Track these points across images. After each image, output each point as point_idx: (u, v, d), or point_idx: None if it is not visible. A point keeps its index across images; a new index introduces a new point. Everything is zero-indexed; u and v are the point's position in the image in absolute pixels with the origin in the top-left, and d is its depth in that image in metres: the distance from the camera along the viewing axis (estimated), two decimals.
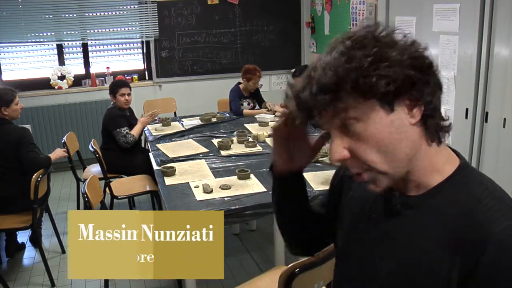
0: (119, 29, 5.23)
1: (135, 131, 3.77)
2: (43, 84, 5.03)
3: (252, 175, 2.69)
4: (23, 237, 3.49)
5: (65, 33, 5.02)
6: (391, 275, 0.82)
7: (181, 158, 3.09)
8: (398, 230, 0.83)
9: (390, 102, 0.73)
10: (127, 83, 3.92)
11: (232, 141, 3.36)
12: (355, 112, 0.73)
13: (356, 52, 0.71)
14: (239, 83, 4.56)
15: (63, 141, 3.67)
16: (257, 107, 4.58)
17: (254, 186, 2.56)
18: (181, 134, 3.75)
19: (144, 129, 3.92)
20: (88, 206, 2.42)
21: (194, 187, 2.56)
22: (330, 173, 2.69)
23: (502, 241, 0.70)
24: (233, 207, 2.30)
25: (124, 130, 3.68)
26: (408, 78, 0.72)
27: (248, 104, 4.54)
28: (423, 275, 0.77)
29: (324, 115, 0.75)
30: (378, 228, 0.86)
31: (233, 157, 3.11)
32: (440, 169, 0.80)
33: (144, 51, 5.38)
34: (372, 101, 0.72)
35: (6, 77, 4.98)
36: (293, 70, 5.75)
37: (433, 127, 0.77)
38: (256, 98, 4.62)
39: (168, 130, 3.88)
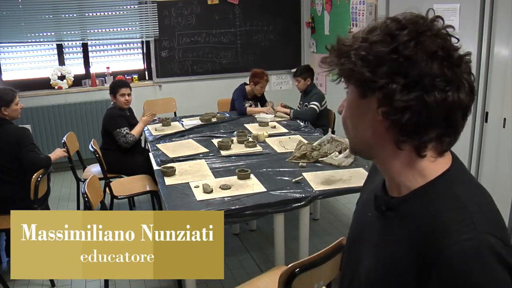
0: (119, 29, 5.23)
1: (135, 131, 3.77)
2: (43, 84, 5.03)
3: (252, 175, 2.69)
4: None
5: (65, 33, 5.02)
6: (367, 274, 0.85)
7: (181, 158, 3.09)
8: (379, 230, 0.85)
9: (366, 90, 0.77)
10: (128, 83, 3.91)
11: (232, 141, 3.36)
12: (351, 81, 0.80)
13: (359, 38, 0.80)
14: (245, 83, 4.55)
15: (63, 141, 3.66)
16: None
17: (254, 186, 2.55)
18: (181, 134, 3.75)
19: (144, 129, 3.92)
20: (88, 206, 2.42)
21: (194, 187, 2.56)
22: (330, 173, 2.70)
23: (453, 255, 0.69)
24: (233, 207, 2.30)
25: (124, 130, 3.68)
26: (375, 77, 0.75)
27: (250, 105, 4.53)
28: (391, 276, 0.78)
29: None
30: (369, 226, 0.89)
31: (233, 157, 3.11)
32: (422, 172, 0.79)
33: (144, 51, 5.38)
34: (354, 80, 0.78)
35: (6, 77, 4.97)
36: (293, 70, 5.76)
37: (398, 136, 0.76)
38: (260, 101, 4.61)
39: (168, 130, 3.88)
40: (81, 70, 5.22)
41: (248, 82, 4.51)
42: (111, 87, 3.85)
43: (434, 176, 0.78)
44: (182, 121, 4.18)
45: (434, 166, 0.79)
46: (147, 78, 5.45)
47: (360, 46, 0.76)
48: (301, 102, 4.36)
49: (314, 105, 4.07)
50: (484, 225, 0.71)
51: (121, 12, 5.17)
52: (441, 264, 0.70)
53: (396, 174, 0.81)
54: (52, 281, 2.94)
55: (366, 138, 0.81)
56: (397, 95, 0.73)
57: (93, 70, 5.23)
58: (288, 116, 4.20)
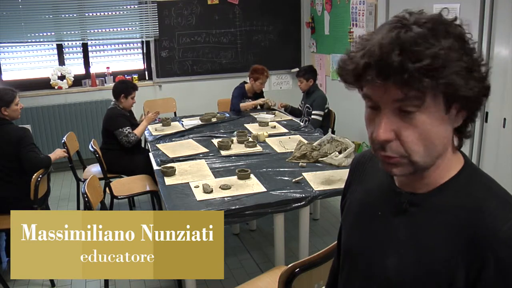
0: (119, 29, 5.23)
1: (138, 130, 3.77)
2: (43, 84, 5.03)
3: (252, 175, 2.69)
4: None
5: (65, 33, 5.02)
6: (396, 272, 0.82)
7: (181, 158, 3.09)
8: (404, 227, 0.83)
9: (451, 103, 0.73)
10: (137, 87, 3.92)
11: (232, 141, 3.36)
12: (421, 101, 0.71)
13: (455, 44, 0.71)
14: (245, 82, 4.55)
15: (63, 141, 3.66)
16: (258, 107, 4.58)
17: (254, 186, 2.55)
18: (181, 134, 3.75)
19: None
20: (88, 206, 2.42)
21: (194, 187, 2.56)
22: (330, 173, 2.70)
23: (508, 239, 0.70)
24: (233, 207, 2.30)
25: (126, 130, 3.68)
26: (481, 92, 0.73)
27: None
28: (426, 273, 0.77)
29: (389, 91, 0.72)
30: (385, 225, 0.86)
31: (233, 157, 3.11)
32: (449, 167, 0.81)
33: (144, 51, 5.38)
34: (440, 96, 0.72)
35: (6, 77, 4.98)
36: (293, 70, 5.77)
37: (464, 134, 0.80)
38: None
39: (168, 130, 3.88)
40: (81, 70, 5.23)
41: (248, 81, 4.51)
42: (123, 88, 3.81)
43: (457, 170, 0.80)
44: (182, 121, 4.18)
45: (456, 161, 0.81)
46: (147, 78, 5.46)
47: (443, 56, 0.69)
48: (302, 102, 4.36)
49: (317, 115, 4.06)
50: None
51: (121, 12, 5.17)
52: (497, 249, 0.70)
53: (436, 173, 0.80)
54: (52, 281, 2.94)
55: (439, 153, 0.76)
56: (474, 96, 0.74)
57: (93, 70, 5.24)
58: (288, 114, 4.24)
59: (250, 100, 4.50)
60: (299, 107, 4.43)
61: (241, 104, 4.39)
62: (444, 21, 0.73)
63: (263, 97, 4.63)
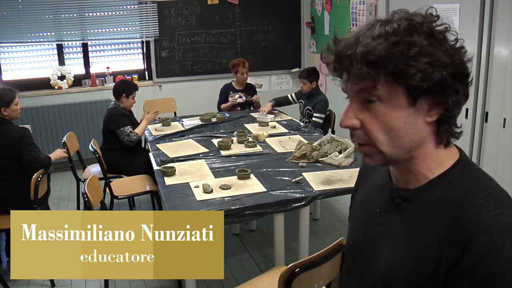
0: (119, 29, 5.23)
1: (139, 129, 3.77)
2: (43, 84, 5.03)
3: (252, 175, 2.69)
4: None
5: (65, 33, 5.02)
6: (387, 268, 0.83)
7: (181, 158, 3.09)
8: (396, 223, 0.84)
9: (415, 96, 0.75)
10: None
11: (232, 141, 3.36)
12: (382, 92, 0.75)
13: (407, 37, 0.73)
14: (232, 81, 4.67)
15: (63, 141, 3.66)
16: (252, 108, 4.65)
17: (254, 186, 2.55)
18: (181, 134, 3.75)
19: None
20: (88, 206, 2.42)
21: (194, 187, 2.56)
22: (330, 173, 2.70)
23: (491, 226, 0.71)
24: (233, 207, 2.30)
25: (128, 129, 3.68)
26: (442, 81, 0.73)
27: (240, 97, 4.59)
28: (416, 267, 0.78)
29: (353, 82, 0.77)
30: (382, 222, 0.88)
31: (233, 157, 3.11)
32: (441, 162, 0.81)
33: (144, 51, 5.38)
34: (401, 88, 0.74)
35: (6, 77, 4.97)
36: (293, 70, 5.77)
37: (444, 131, 0.79)
38: (250, 93, 4.65)
39: (168, 130, 3.88)
40: (81, 70, 5.22)
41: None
42: (125, 88, 3.81)
43: (450, 165, 0.81)
44: (182, 121, 4.18)
45: (448, 155, 0.82)
46: (147, 78, 5.45)
47: (415, 51, 0.72)
48: (301, 101, 4.36)
49: (318, 118, 4.05)
50: (509, 204, 0.75)
51: (121, 12, 5.16)
52: (480, 236, 0.70)
53: (423, 167, 0.81)
54: (52, 281, 2.94)
55: (409, 144, 0.78)
56: (451, 93, 0.75)
57: (93, 70, 5.24)
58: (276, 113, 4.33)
59: (239, 94, 4.58)
60: (289, 98, 4.41)
61: (222, 105, 4.61)
62: (413, 19, 0.75)
63: (256, 91, 4.71)
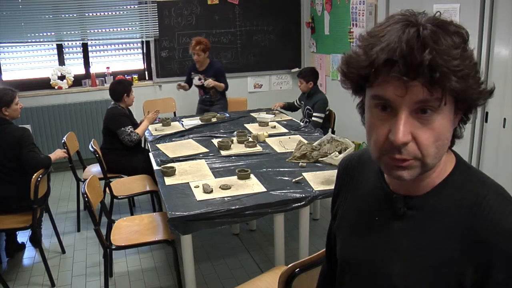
0: (119, 29, 5.23)
1: (140, 129, 3.77)
2: (43, 84, 5.03)
3: (252, 175, 2.69)
4: (23, 237, 3.49)
5: (65, 33, 5.02)
6: (402, 279, 0.80)
7: (181, 158, 3.09)
8: (404, 232, 0.81)
9: (459, 104, 0.74)
10: None
11: (232, 141, 3.36)
12: (438, 102, 0.70)
13: (465, 50, 0.70)
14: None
15: (63, 141, 3.66)
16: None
17: (254, 186, 2.55)
18: (181, 134, 3.75)
19: None
20: (88, 206, 2.42)
21: (194, 187, 2.56)
22: (330, 173, 2.70)
23: (508, 230, 0.70)
24: (233, 207, 2.30)
25: (129, 129, 3.68)
26: (483, 94, 0.74)
27: (199, 79, 4.58)
28: (435, 276, 0.76)
29: (411, 91, 0.69)
30: (384, 231, 0.85)
31: (233, 157, 3.11)
32: (444, 168, 0.80)
33: (144, 51, 5.38)
34: (451, 97, 0.71)
35: (6, 77, 4.98)
36: (293, 70, 5.77)
37: (456, 136, 0.80)
38: (213, 75, 4.55)
39: (168, 130, 3.88)
40: (81, 70, 5.23)
41: None
42: (123, 87, 3.82)
43: (451, 168, 0.80)
44: (182, 121, 4.18)
45: (448, 158, 0.81)
46: (147, 78, 5.46)
47: (454, 60, 0.68)
48: (302, 102, 4.36)
49: (318, 117, 4.05)
50: None
51: (121, 12, 5.16)
52: (499, 245, 0.70)
53: (433, 174, 0.79)
54: (52, 281, 2.95)
55: (444, 153, 0.77)
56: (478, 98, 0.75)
57: (93, 70, 5.24)
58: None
59: (198, 75, 4.58)
60: (295, 103, 4.44)
61: (181, 84, 4.66)
62: (447, 21, 0.72)
63: (220, 71, 4.60)
